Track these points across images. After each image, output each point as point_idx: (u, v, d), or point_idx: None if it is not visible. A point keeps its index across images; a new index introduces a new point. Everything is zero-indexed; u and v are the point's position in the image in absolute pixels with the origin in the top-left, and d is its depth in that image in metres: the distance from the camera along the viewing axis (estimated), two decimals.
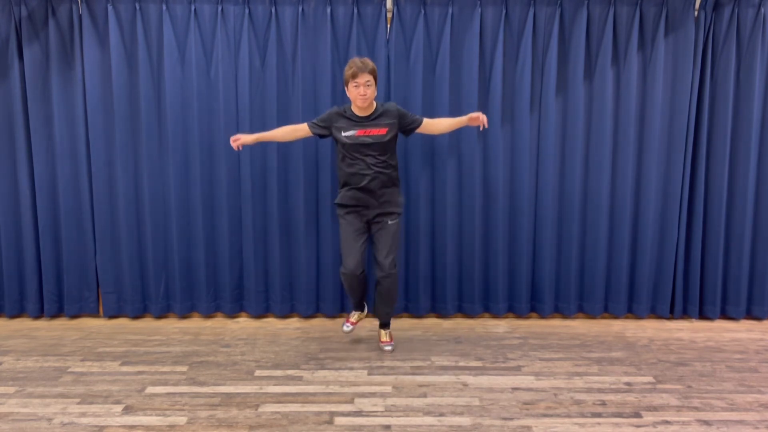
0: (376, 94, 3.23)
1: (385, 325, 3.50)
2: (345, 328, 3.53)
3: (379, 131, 3.22)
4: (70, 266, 3.92)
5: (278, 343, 3.54)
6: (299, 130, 3.42)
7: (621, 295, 4.01)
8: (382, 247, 3.30)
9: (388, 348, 3.40)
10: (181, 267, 3.92)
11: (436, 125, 3.45)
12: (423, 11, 3.74)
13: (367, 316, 3.68)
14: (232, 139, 3.46)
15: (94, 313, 4.04)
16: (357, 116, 3.25)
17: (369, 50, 3.78)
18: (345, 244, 3.33)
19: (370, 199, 3.29)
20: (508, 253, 4.00)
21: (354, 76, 3.09)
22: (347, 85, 3.17)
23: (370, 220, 3.34)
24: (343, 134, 3.23)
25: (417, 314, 4.04)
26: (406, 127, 3.35)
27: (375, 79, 3.17)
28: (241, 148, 3.52)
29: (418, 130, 3.42)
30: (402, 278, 3.98)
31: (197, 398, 2.79)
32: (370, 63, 3.13)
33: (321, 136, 3.40)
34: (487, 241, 3.98)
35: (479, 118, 3.33)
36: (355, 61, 3.12)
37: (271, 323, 3.94)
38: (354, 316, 3.57)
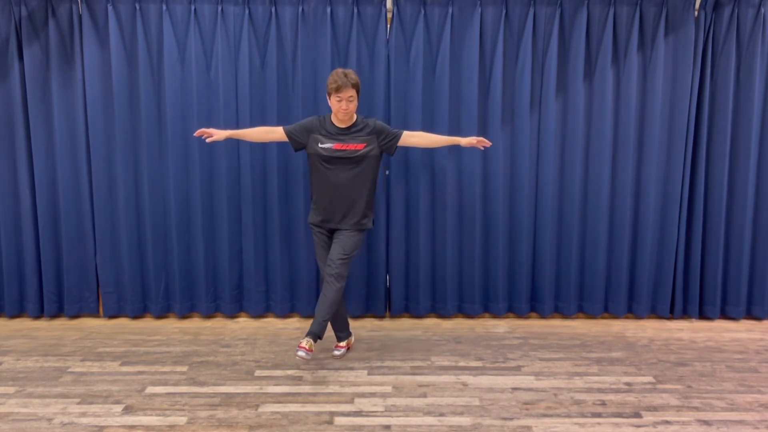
0: (357, 107, 3.17)
1: (312, 333, 3.04)
2: (336, 353, 3.34)
3: (356, 146, 3.15)
4: (70, 266, 3.92)
5: (278, 343, 3.54)
6: (274, 132, 3.33)
7: (621, 295, 4.01)
8: (335, 247, 3.17)
9: (302, 354, 2.92)
10: (181, 267, 3.92)
11: (423, 138, 3.38)
12: (423, 11, 3.74)
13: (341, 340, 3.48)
14: (203, 131, 3.33)
15: (94, 313, 4.04)
16: (336, 127, 3.18)
17: (369, 50, 3.78)
18: (318, 256, 3.29)
19: (334, 215, 3.19)
20: (508, 253, 4.00)
21: (338, 90, 3.02)
22: (329, 97, 3.11)
23: (334, 231, 3.25)
24: (320, 146, 3.15)
25: (417, 314, 4.04)
26: (385, 142, 3.23)
27: (358, 93, 3.11)
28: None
29: (405, 144, 3.31)
30: (402, 278, 3.98)
31: (197, 398, 2.79)
32: (354, 76, 3.06)
33: (296, 148, 3.31)
34: (487, 241, 3.98)
35: (480, 141, 3.39)
36: (339, 75, 3.04)
37: (271, 323, 3.94)
38: (343, 341, 3.40)
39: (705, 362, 3.28)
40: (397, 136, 3.27)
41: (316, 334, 3.03)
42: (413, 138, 3.35)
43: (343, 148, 3.14)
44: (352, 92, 3.06)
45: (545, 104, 3.84)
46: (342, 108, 3.07)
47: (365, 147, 3.16)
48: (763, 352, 3.46)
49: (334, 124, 3.19)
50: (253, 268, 3.93)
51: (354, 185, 3.17)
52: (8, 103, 3.80)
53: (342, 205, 3.18)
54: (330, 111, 3.21)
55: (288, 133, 3.27)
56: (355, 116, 3.21)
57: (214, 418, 2.60)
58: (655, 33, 3.79)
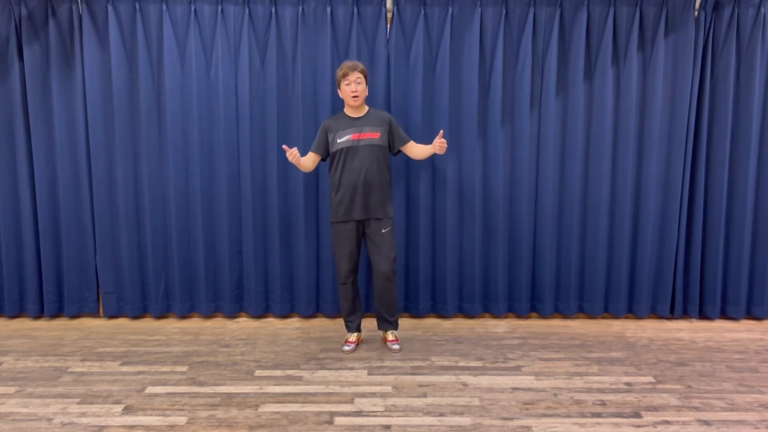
0: (366, 93, 3.35)
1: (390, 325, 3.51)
2: (345, 348, 3.42)
3: (372, 135, 3.30)
4: (70, 266, 3.92)
5: (278, 343, 3.54)
6: (312, 160, 3.40)
7: (621, 295, 4.01)
8: (379, 252, 3.33)
9: (396, 347, 3.42)
10: (180, 267, 3.92)
11: (417, 150, 3.46)
12: (423, 11, 3.74)
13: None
14: (289, 151, 3.24)
15: (94, 313, 4.04)
16: (350, 118, 3.34)
17: (369, 50, 3.78)
18: (339, 253, 3.38)
19: (363, 205, 3.29)
20: (508, 253, 4.00)
21: (345, 75, 3.25)
22: (340, 87, 3.31)
23: (362, 225, 3.36)
24: (338, 140, 3.29)
25: (417, 314, 4.04)
26: (395, 140, 3.41)
27: (365, 78, 3.31)
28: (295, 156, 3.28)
29: (404, 150, 3.44)
30: (402, 278, 3.98)
31: (197, 398, 2.79)
32: (359, 64, 3.29)
33: (326, 157, 3.43)
34: (487, 241, 3.98)
35: (442, 144, 3.27)
36: (345, 63, 3.28)
37: (271, 323, 3.94)
38: (353, 336, 3.50)
39: (705, 362, 3.28)
40: (406, 141, 3.42)
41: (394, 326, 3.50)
42: (414, 149, 3.47)
43: (361, 137, 3.28)
44: (359, 75, 3.26)
45: (545, 104, 3.84)
46: (351, 90, 3.24)
47: (380, 136, 3.32)
48: (763, 352, 3.45)
49: (347, 116, 3.35)
50: (253, 268, 3.93)
51: (377, 172, 3.29)
52: (8, 103, 3.80)
53: (369, 192, 3.28)
54: (338, 110, 3.34)
55: (316, 151, 3.41)
56: (366, 107, 3.38)
57: (214, 418, 2.60)
58: (655, 33, 3.79)
